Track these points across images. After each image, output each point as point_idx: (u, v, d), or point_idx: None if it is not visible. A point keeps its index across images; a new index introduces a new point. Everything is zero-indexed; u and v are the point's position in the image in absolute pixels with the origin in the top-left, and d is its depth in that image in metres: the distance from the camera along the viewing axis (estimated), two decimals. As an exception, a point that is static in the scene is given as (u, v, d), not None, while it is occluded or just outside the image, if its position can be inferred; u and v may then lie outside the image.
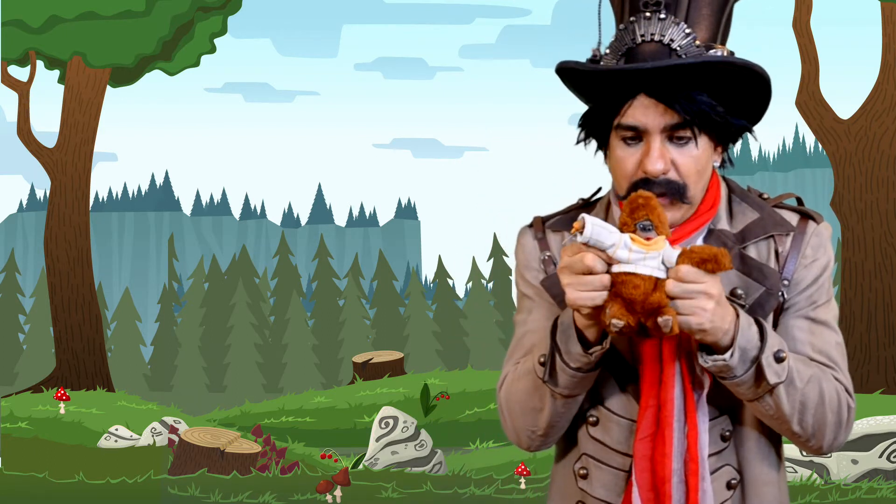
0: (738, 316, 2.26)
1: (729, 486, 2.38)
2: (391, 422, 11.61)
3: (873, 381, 16.59)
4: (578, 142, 2.46)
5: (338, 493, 9.88)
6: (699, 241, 2.39)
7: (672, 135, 2.32)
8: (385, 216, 31.09)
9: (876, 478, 10.11)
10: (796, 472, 10.05)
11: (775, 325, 2.41)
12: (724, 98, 2.34)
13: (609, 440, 2.41)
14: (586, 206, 2.54)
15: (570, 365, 2.32)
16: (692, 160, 2.33)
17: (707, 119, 2.32)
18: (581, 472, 2.44)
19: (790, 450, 10.17)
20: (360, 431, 14.47)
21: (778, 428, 2.37)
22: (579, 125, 2.45)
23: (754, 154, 30.24)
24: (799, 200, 2.51)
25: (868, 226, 16.99)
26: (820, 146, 18.71)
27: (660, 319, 2.16)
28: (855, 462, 10.19)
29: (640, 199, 2.20)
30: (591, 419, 2.42)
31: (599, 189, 2.56)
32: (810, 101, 17.16)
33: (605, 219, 2.47)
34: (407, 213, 31.29)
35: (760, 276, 2.38)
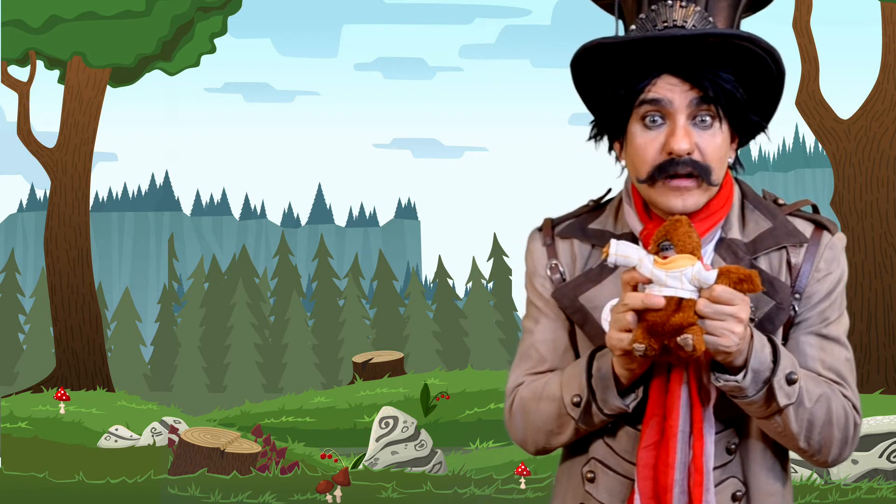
0: (752, 337, 2.24)
1: (734, 497, 2.38)
2: (391, 422, 11.61)
3: (873, 381, 16.59)
4: (591, 137, 2.44)
5: (338, 493, 9.88)
6: (710, 249, 2.37)
7: (696, 115, 2.31)
8: (385, 216, 31.12)
9: (876, 478, 10.11)
10: (796, 472, 10.05)
11: (785, 339, 2.40)
12: (742, 87, 2.34)
13: (618, 447, 2.41)
14: (597, 207, 2.53)
15: (605, 412, 2.35)
16: (715, 144, 2.32)
17: (731, 99, 2.31)
18: (588, 475, 2.45)
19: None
20: (360, 431, 14.47)
21: (784, 443, 2.37)
22: (593, 121, 2.43)
23: (754, 154, 30.24)
24: (814, 208, 2.47)
25: (868, 226, 16.99)
26: (820, 146, 18.72)
27: (679, 339, 2.13)
28: (855, 462, 10.19)
29: (667, 223, 2.18)
30: (608, 425, 2.43)
31: (610, 190, 2.54)
32: (810, 101, 17.16)
33: (616, 220, 2.47)
34: (407, 213, 31.29)
35: (771, 289, 2.35)
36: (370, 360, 16.99)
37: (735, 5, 2.35)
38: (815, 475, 10.04)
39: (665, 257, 2.16)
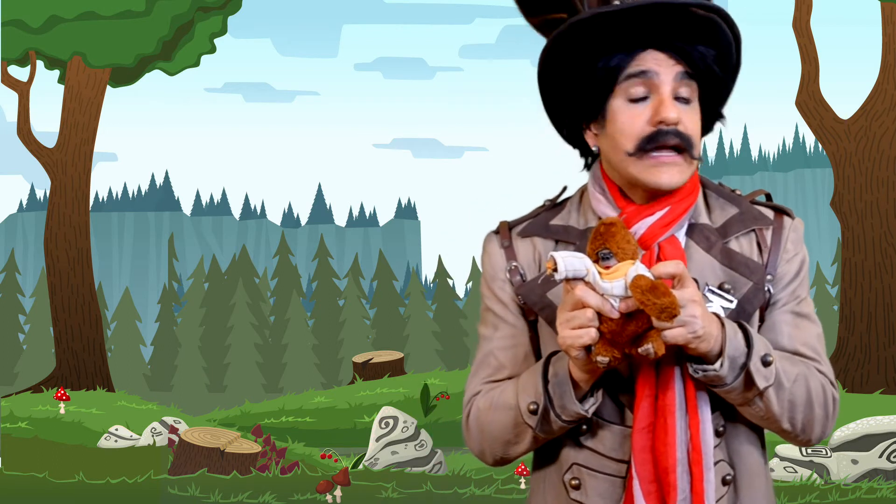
0: (723, 325, 2.25)
1: (724, 481, 2.37)
2: (391, 422, 11.60)
3: (873, 381, 16.58)
4: (556, 125, 2.43)
5: (338, 493, 9.88)
6: (682, 235, 2.37)
7: (676, 91, 2.31)
8: (385, 216, 31.07)
9: (876, 478, 10.10)
10: (796, 472, 10.05)
11: (762, 321, 2.41)
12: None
13: (602, 448, 2.37)
14: (554, 206, 2.50)
15: (564, 418, 2.30)
16: (695, 120, 2.34)
17: (712, 76, 2.33)
18: (573, 482, 2.39)
19: (790, 450, 10.17)
20: (360, 431, 14.46)
21: (767, 426, 2.38)
22: (561, 107, 2.40)
23: (754, 154, 30.22)
24: (768, 196, 2.50)
25: (868, 226, 16.98)
26: (820, 146, 18.71)
27: (640, 350, 2.14)
28: (855, 462, 10.18)
29: (600, 227, 2.15)
30: (582, 427, 2.38)
31: (566, 188, 2.52)
32: (810, 101, 17.15)
33: (579, 214, 2.44)
34: (407, 213, 31.27)
35: (747, 270, 2.37)
36: (370, 360, 16.99)
37: None
38: (815, 475, 10.04)
39: (607, 267, 2.13)
